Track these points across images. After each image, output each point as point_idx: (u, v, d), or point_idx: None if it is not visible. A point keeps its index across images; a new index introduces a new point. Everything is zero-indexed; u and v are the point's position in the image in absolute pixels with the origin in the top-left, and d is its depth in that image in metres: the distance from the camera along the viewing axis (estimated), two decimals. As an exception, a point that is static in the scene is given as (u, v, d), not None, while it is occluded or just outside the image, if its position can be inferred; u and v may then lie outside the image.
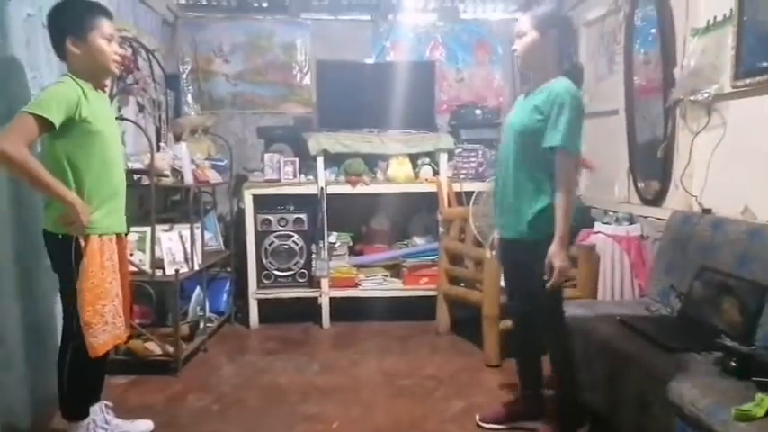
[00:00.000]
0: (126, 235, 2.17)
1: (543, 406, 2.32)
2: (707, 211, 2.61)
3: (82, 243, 1.93)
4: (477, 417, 2.39)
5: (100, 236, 1.97)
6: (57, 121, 1.82)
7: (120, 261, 2.11)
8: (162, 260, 2.94)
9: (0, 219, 2.01)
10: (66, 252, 1.94)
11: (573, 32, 2.20)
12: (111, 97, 3.01)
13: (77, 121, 1.89)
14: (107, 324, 1.98)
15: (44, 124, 1.80)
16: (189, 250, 3.10)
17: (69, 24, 1.95)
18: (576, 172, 2.03)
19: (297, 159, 3.75)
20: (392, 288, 3.76)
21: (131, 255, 2.93)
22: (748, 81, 2.33)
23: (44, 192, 1.92)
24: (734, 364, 1.79)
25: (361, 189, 3.70)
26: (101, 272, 1.96)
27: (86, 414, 2.08)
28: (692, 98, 2.65)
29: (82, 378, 2.05)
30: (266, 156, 3.73)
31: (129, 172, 3.13)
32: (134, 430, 2.25)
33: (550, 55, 2.08)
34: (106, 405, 2.21)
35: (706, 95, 2.57)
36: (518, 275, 2.26)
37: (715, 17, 2.55)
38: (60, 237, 1.94)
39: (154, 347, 2.90)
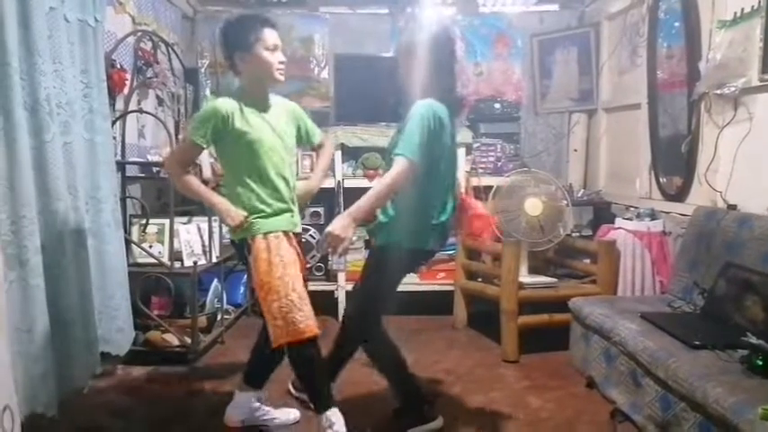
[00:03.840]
0: (296, 234, 2.23)
1: (423, 402, 2.30)
2: (732, 207, 2.56)
3: (251, 243, 2.04)
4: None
5: (265, 235, 2.04)
6: (202, 141, 2.03)
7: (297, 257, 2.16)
8: (180, 252, 2.96)
9: (26, 211, 2.03)
10: (243, 254, 2.11)
11: (449, 60, 2.15)
12: (131, 91, 3.03)
13: (230, 131, 2.03)
14: (276, 319, 2.02)
15: (196, 145, 2.05)
16: (207, 243, 3.12)
17: (236, 40, 2.06)
18: (407, 180, 1.98)
19: (314, 153, 3.73)
20: (409, 282, 3.71)
21: (150, 246, 2.97)
22: (777, 74, 2.29)
23: (200, 200, 2.14)
24: (760, 362, 1.76)
25: (378, 183, 3.69)
26: (269, 269, 2.02)
27: (331, 406, 2.13)
28: (717, 92, 2.60)
29: (312, 369, 2.12)
30: (284, 149, 3.73)
31: (148, 164, 3.18)
32: (282, 417, 2.34)
33: (420, 79, 2.09)
34: (259, 398, 2.31)
35: (732, 89, 2.52)
36: None
37: (743, 9, 2.49)
38: (236, 242, 2.11)
39: (172, 339, 2.92)
